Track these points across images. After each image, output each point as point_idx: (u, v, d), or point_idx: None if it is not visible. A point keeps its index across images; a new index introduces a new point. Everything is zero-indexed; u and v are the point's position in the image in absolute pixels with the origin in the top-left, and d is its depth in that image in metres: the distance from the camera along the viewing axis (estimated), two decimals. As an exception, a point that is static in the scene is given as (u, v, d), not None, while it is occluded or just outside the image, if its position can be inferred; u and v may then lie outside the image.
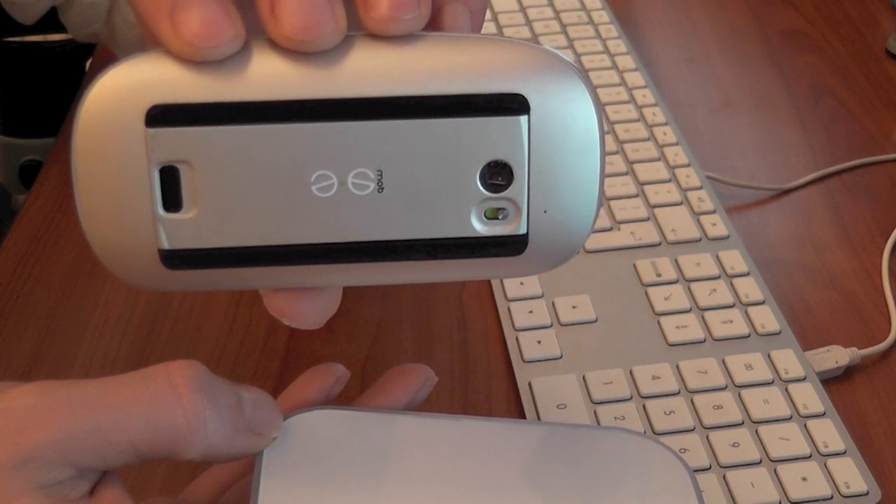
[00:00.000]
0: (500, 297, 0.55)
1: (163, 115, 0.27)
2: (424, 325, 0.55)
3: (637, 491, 0.33)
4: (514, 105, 0.27)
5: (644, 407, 0.49)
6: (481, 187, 0.28)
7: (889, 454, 0.48)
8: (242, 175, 0.27)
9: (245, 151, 0.27)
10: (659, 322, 0.53)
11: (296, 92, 0.27)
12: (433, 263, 0.29)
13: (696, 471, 0.46)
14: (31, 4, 0.64)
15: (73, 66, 0.96)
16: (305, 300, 0.31)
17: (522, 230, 0.29)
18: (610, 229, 0.59)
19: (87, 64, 0.76)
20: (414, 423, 0.34)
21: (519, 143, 0.28)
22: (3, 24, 0.72)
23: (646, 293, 0.55)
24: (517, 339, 0.53)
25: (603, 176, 0.29)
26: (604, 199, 0.29)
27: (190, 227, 0.28)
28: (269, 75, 0.27)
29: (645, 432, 0.48)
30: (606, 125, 0.66)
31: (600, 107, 0.28)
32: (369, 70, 0.27)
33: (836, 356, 0.52)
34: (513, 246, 0.29)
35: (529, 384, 0.50)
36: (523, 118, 0.28)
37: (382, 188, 0.28)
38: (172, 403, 0.29)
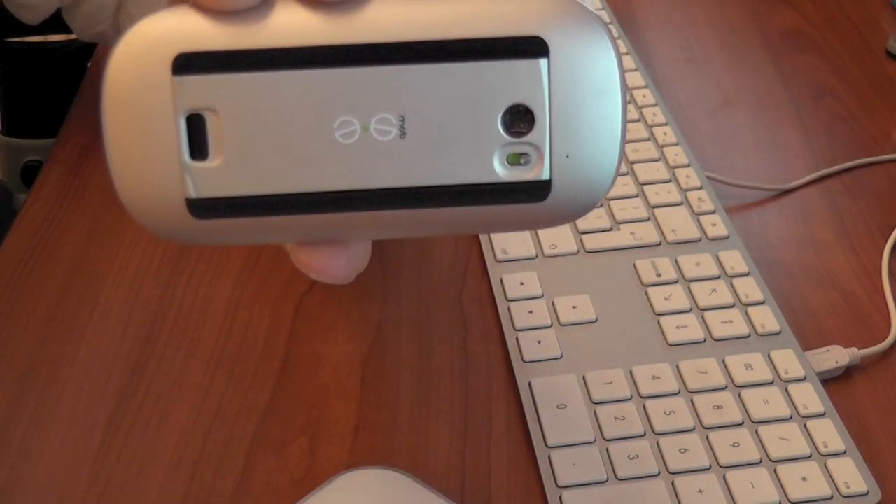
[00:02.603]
0: (500, 297, 0.55)
1: (188, 63, 0.28)
2: (424, 325, 0.55)
3: None
4: (533, 48, 0.28)
5: (644, 407, 0.49)
6: (503, 132, 0.28)
7: (889, 454, 0.48)
8: (267, 122, 0.28)
9: (269, 98, 0.28)
10: (659, 322, 0.53)
11: (318, 38, 0.28)
12: (456, 211, 0.29)
13: (695, 471, 0.46)
14: (38, 5, 0.64)
15: (75, 66, 0.96)
16: (333, 254, 0.31)
17: (545, 175, 0.29)
18: (610, 229, 0.59)
19: (88, 65, 0.76)
20: None
21: (539, 87, 0.28)
22: (5, 25, 0.73)
23: (646, 293, 0.55)
24: (517, 339, 0.53)
25: (625, 121, 0.29)
26: (624, 150, 0.29)
27: (216, 175, 0.28)
28: (291, 22, 0.28)
29: (645, 434, 0.48)
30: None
31: (619, 51, 0.28)
32: (390, 15, 0.28)
33: (836, 356, 0.52)
34: (536, 192, 0.29)
35: (529, 384, 0.50)
36: (543, 61, 0.28)
37: (405, 133, 0.28)
38: None
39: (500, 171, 0.29)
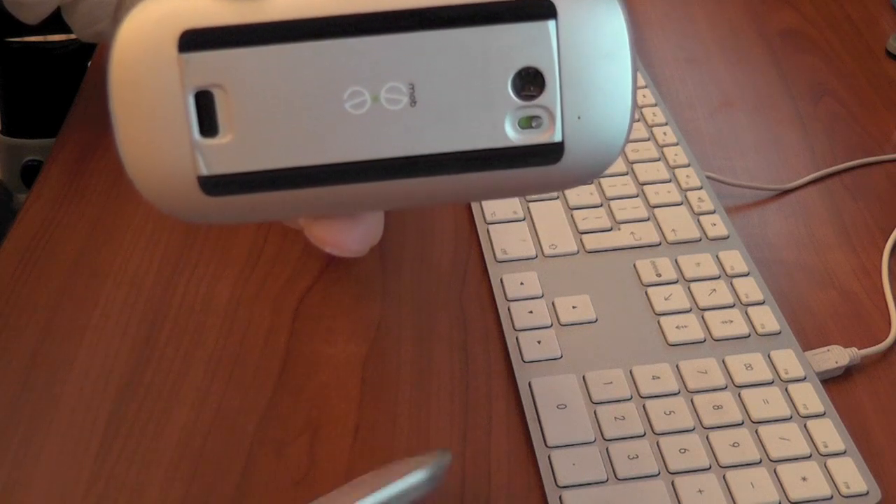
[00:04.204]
0: (500, 298, 0.55)
1: (195, 40, 0.27)
2: (424, 325, 0.55)
3: None
4: (541, 10, 0.28)
5: (644, 407, 0.49)
6: (513, 95, 0.28)
7: (889, 454, 0.48)
8: (276, 96, 0.28)
9: (277, 72, 0.28)
10: (659, 322, 0.53)
11: (324, 9, 0.27)
12: (470, 177, 0.29)
13: (695, 471, 0.46)
14: (38, 4, 0.64)
15: (74, 66, 0.96)
16: (347, 228, 0.31)
17: (557, 137, 0.29)
18: (610, 229, 0.59)
19: (88, 64, 0.76)
20: None
21: (548, 49, 0.28)
22: (5, 25, 0.72)
23: (646, 293, 0.55)
24: (517, 339, 0.53)
25: (635, 81, 0.29)
26: (636, 108, 0.29)
27: (227, 152, 0.28)
28: None
29: (645, 434, 0.48)
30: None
31: (627, 12, 0.28)
32: None
33: (836, 356, 0.52)
34: (549, 154, 0.29)
35: (529, 384, 0.50)
36: (551, 23, 0.28)
37: (415, 102, 0.28)
38: None
39: (513, 135, 0.28)
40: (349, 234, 0.31)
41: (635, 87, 0.29)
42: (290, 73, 0.28)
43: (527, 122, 0.29)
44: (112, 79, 0.28)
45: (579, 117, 0.29)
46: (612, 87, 0.28)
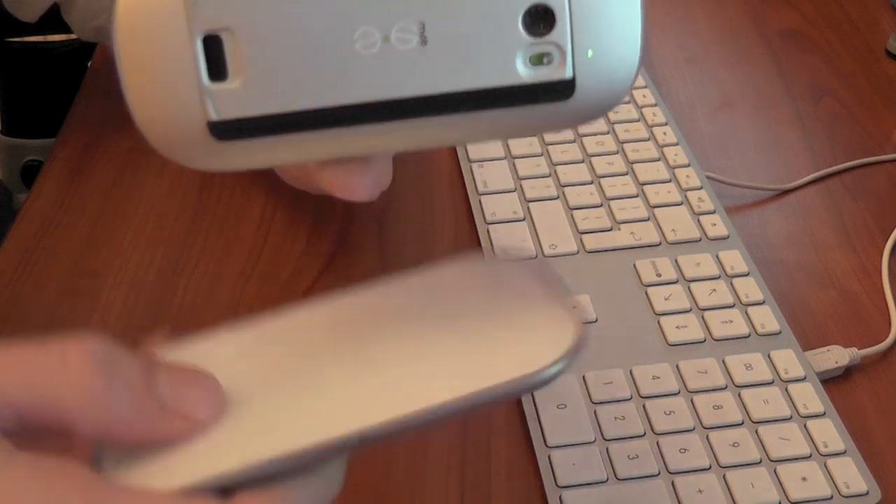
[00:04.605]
0: (500, 297, 0.55)
1: None
2: (424, 325, 0.55)
3: (489, 295, 0.32)
4: None
5: (644, 407, 0.49)
6: (524, 32, 0.28)
7: (889, 454, 0.48)
8: (285, 38, 0.27)
9: (286, 13, 0.27)
10: (659, 322, 0.53)
11: None
12: (482, 116, 0.29)
13: (695, 471, 0.46)
14: (35, 1, 0.64)
15: (75, 66, 0.96)
16: (357, 171, 0.30)
17: (568, 74, 0.29)
18: (610, 229, 0.59)
19: (89, 65, 0.76)
20: (266, 326, 0.33)
21: None
22: (5, 25, 0.72)
23: (646, 293, 0.55)
24: (517, 339, 0.52)
25: (646, 17, 0.29)
26: (646, 51, 0.29)
27: (237, 96, 0.28)
28: None
29: (645, 434, 0.48)
30: (606, 125, 0.66)
31: None
32: None
33: (836, 356, 0.52)
34: (560, 91, 0.29)
35: (529, 384, 0.50)
36: None
37: (426, 40, 0.28)
38: (59, 374, 0.27)
39: (524, 72, 0.28)
40: (360, 177, 0.30)
41: (646, 23, 0.29)
42: (299, 13, 0.27)
43: (538, 59, 0.28)
44: (118, 26, 0.27)
45: (590, 53, 0.28)
46: (621, 23, 0.29)
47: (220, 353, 0.31)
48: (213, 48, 0.27)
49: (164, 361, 0.29)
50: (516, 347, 0.29)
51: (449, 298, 0.32)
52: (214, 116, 0.28)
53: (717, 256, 0.57)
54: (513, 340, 0.30)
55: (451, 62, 0.28)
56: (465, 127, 0.29)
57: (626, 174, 0.62)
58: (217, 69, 0.28)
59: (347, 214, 0.61)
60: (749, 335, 0.52)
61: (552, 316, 0.30)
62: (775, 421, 0.48)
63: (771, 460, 0.47)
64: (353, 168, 0.30)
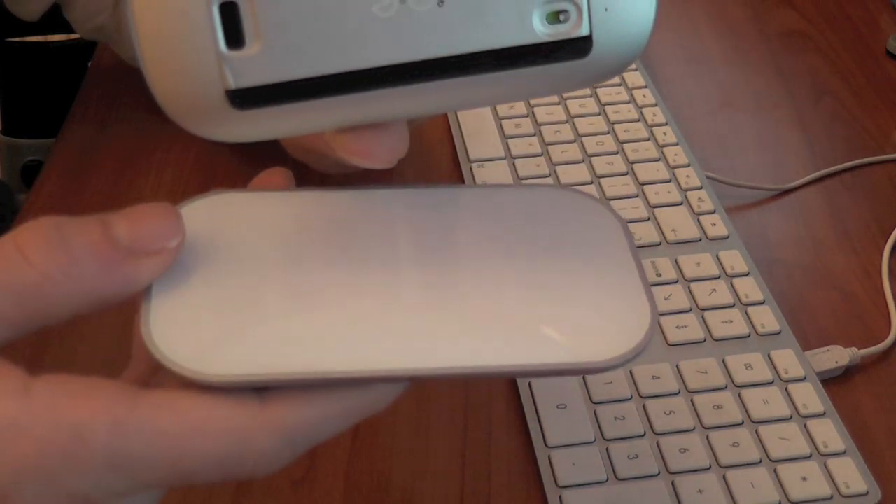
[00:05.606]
0: (500, 297, 0.55)
1: None
2: (424, 325, 0.55)
3: (571, 241, 0.32)
4: None
5: (644, 407, 0.49)
6: None
7: (889, 454, 0.48)
8: (302, 2, 0.27)
9: None
10: (659, 322, 0.53)
11: None
12: (500, 76, 0.29)
13: (695, 471, 0.46)
14: None
15: (75, 66, 0.96)
16: (375, 137, 0.30)
17: (585, 31, 0.29)
18: (610, 229, 0.59)
19: (89, 64, 0.76)
20: (330, 197, 0.33)
21: None
22: (5, 25, 0.73)
23: (646, 293, 0.55)
24: (517, 339, 0.53)
25: None
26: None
27: (254, 63, 0.28)
28: None
29: (645, 434, 0.48)
30: (606, 126, 0.66)
31: None
32: None
33: (836, 356, 0.52)
34: (578, 49, 0.29)
35: (529, 384, 0.50)
36: None
37: (443, 2, 0.28)
38: (19, 265, 0.27)
39: (541, 30, 0.28)
40: (379, 142, 0.30)
41: None
42: None
43: (554, 17, 0.28)
44: None
45: (606, 9, 0.28)
46: None
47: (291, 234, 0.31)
48: (230, 15, 0.27)
49: (113, 212, 0.29)
50: (589, 324, 0.29)
51: (537, 234, 0.32)
52: (233, 84, 0.28)
53: (717, 256, 0.57)
54: (586, 316, 0.29)
55: (468, 23, 0.28)
56: (483, 88, 0.29)
57: (626, 174, 0.62)
58: (234, 36, 0.27)
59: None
60: (749, 335, 0.52)
61: (631, 296, 0.30)
62: (775, 421, 0.48)
63: (771, 460, 0.47)
64: (371, 134, 0.30)
